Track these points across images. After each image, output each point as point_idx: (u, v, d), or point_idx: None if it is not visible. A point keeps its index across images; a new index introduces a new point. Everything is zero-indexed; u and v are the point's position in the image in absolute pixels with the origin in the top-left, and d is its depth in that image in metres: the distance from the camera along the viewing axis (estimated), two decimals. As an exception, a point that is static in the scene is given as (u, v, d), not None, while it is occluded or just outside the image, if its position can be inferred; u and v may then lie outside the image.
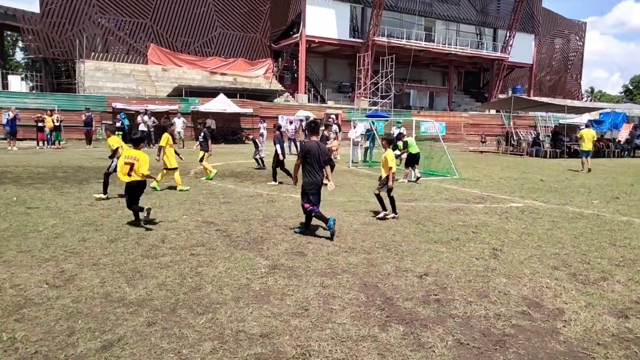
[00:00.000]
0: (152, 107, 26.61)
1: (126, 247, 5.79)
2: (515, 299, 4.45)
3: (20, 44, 60.43)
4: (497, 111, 40.39)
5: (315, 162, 6.54)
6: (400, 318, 3.97)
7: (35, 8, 32.95)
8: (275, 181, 11.83)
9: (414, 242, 6.39)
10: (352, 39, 38.17)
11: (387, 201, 7.88)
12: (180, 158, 11.08)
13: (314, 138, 6.88)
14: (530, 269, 5.32)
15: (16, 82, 35.20)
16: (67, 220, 7.11)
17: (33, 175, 11.87)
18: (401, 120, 18.08)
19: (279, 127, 13.97)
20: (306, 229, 6.81)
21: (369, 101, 36.04)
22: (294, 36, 37.21)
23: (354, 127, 17.79)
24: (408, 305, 4.23)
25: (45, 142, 21.79)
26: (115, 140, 9.61)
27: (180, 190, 10.21)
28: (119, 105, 26.62)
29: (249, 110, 29.60)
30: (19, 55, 63.28)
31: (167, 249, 5.75)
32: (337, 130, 18.41)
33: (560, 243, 6.53)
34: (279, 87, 37.05)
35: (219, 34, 37.65)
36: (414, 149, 12.83)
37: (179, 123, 25.00)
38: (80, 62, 31.65)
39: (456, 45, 41.67)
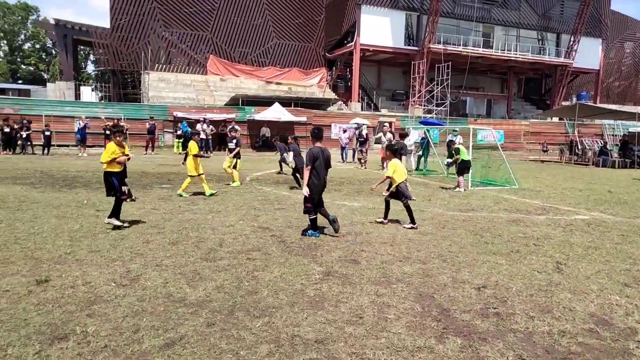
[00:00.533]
0: (210, 115, 27.58)
1: (186, 250, 6.01)
2: (582, 315, 4.21)
3: (91, 57, 64.71)
4: (560, 119, 38.60)
5: (323, 165, 6.92)
6: (458, 330, 3.86)
7: (106, 23, 35.20)
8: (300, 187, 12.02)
9: (471, 253, 6.22)
10: (407, 47, 37.85)
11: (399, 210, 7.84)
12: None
13: (318, 144, 7.09)
14: (598, 285, 5.03)
15: (87, 93, 37.71)
16: (132, 223, 7.48)
17: (101, 180, 12.57)
18: (457, 128, 17.69)
19: (283, 139, 14.05)
20: (322, 229, 7.16)
21: (424, 109, 35.56)
22: (348, 45, 37.40)
23: (407, 135, 17.59)
24: (466, 318, 4.11)
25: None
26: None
27: (210, 194, 10.48)
28: (179, 114, 27.80)
29: (303, 119, 30.00)
30: (90, 68, 67.72)
31: (224, 253, 5.93)
32: (391, 138, 18.28)
33: (631, 258, 6.13)
34: (332, 95, 37.31)
35: (275, 44, 38.52)
36: (465, 156, 12.53)
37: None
38: (145, 73, 33.38)
39: (516, 51, 40.28)
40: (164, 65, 34.93)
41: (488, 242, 6.88)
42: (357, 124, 23.18)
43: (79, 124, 22.23)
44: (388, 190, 8.11)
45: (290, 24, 38.81)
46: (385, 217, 8.09)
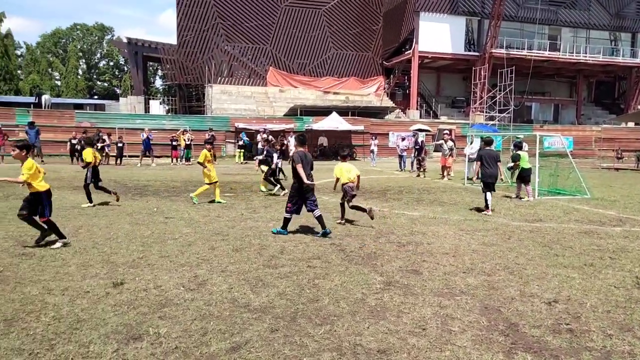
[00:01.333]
0: (270, 126, 28.24)
1: (249, 257, 6.18)
2: (667, 336, 3.90)
3: (159, 72, 68.37)
4: (635, 124, 36.01)
5: (308, 169, 7.55)
6: (527, 346, 3.70)
7: (173, 40, 37.14)
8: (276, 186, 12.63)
9: (540, 266, 5.93)
10: (467, 53, 36.97)
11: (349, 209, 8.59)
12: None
13: (301, 149, 7.72)
14: (686, 304, 4.63)
15: (156, 106, 39.85)
16: (198, 230, 7.80)
17: (169, 189, 13.24)
18: (521, 135, 17.03)
19: (268, 141, 14.16)
20: (324, 230, 7.45)
21: (486, 116, 34.46)
22: (406, 53, 37.09)
23: (471, 143, 17.10)
24: (535, 333, 3.93)
25: (178, 159, 24.22)
26: (90, 153, 10.11)
27: (219, 202, 10.77)
28: (240, 125, 28.69)
29: (360, 128, 30.02)
30: (158, 83, 71.57)
31: (286, 260, 6.03)
32: (452, 146, 17.86)
33: None
34: (390, 104, 37.09)
35: (333, 54, 38.94)
36: (525, 164, 12.11)
37: (292, 141, 26.20)
38: (208, 86, 34.84)
39: (586, 53, 38.19)
40: (226, 78, 36.26)
41: (558, 254, 6.54)
42: (415, 131, 22.81)
43: (143, 135, 23.52)
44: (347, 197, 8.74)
45: (348, 34, 39.10)
46: (342, 217, 8.84)
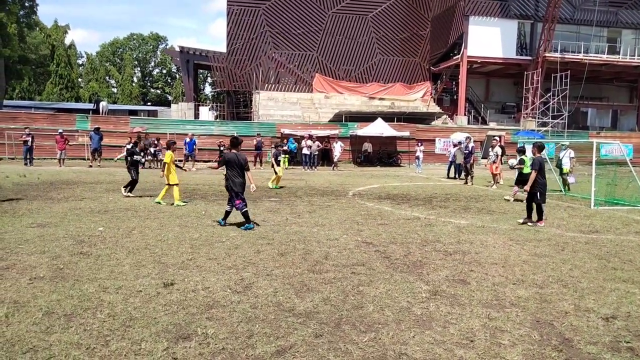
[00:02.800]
0: (315, 132, 28.45)
1: (294, 261, 6.24)
2: None
3: (209, 79, 70.49)
4: None
5: (237, 167, 8.32)
6: (583, 364, 3.52)
7: (223, 48, 38.22)
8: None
9: (596, 280, 5.64)
10: (518, 57, 35.83)
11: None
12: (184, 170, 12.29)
13: (234, 150, 8.52)
14: None
15: (205, 113, 41.07)
16: (244, 234, 7.95)
17: (217, 193, 13.57)
18: (567, 142, 16.38)
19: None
20: (220, 220, 8.67)
21: (538, 122, 33.24)
22: (454, 58, 36.40)
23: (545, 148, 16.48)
24: (592, 350, 3.73)
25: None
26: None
27: (177, 205, 10.79)
28: (286, 131, 29.07)
29: (406, 134, 29.70)
30: (207, 90, 73.76)
31: (330, 266, 6.04)
32: (499, 153, 17.35)
33: None
34: (437, 109, 36.50)
35: (379, 60, 38.80)
36: (527, 169, 12.06)
37: (337, 147, 26.28)
38: (255, 93, 35.56)
39: (649, 55, 36.13)
40: (273, 85, 36.89)
41: (616, 267, 6.20)
42: (464, 138, 22.23)
43: (186, 139, 24.23)
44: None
45: (395, 40, 38.87)
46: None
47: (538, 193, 9.30)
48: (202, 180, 17.40)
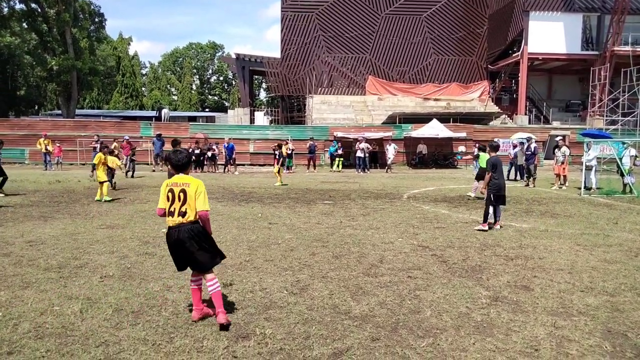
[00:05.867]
0: (368, 134, 28.30)
1: (349, 264, 6.23)
2: None
3: (263, 85, 72.06)
4: None
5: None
6: (662, 379, 3.27)
7: (277, 54, 38.97)
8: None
9: (676, 289, 5.23)
10: (584, 52, 33.92)
11: None
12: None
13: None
14: None
15: (260, 117, 41.98)
16: (300, 236, 8.04)
17: (272, 196, 13.83)
18: (629, 141, 15.45)
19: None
20: None
21: (606, 120, 31.31)
22: (514, 55, 35.04)
23: (588, 150, 15.63)
24: (672, 365, 3.46)
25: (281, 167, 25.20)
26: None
27: (105, 200, 12.01)
28: (339, 134, 29.10)
29: (462, 135, 28.89)
30: (262, 95, 75.43)
31: (385, 269, 5.98)
32: (567, 153, 16.50)
33: None
34: (495, 109, 35.25)
35: (434, 60, 38.07)
36: (483, 164, 12.24)
37: (390, 149, 25.99)
38: (309, 97, 35.92)
39: None
40: (326, 89, 37.11)
41: (700, 276, 5.71)
42: (526, 138, 21.29)
43: (225, 144, 24.73)
44: None
45: (450, 39, 38.00)
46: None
47: (492, 195, 8.71)
48: (257, 184, 17.78)
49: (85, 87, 47.31)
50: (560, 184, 16.60)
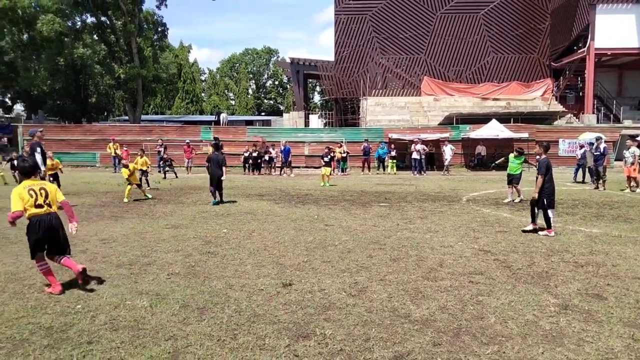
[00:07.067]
0: (424, 135, 27.82)
1: (407, 267, 6.15)
2: None
3: (317, 88, 72.65)
4: None
5: (215, 164, 12.25)
6: None
7: (331, 57, 39.17)
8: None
9: None
10: (658, 45, 31.62)
11: None
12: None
13: (215, 152, 12.60)
14: None
15: (314, 120, 42.37)
16: (356, 238, 8.03)
17: (327, 198, 13.90)
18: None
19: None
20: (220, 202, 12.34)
21: (685, 118, 28.99)
22: (579, 51, 33.26)
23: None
24: None
25: (334, 170, 25.28)
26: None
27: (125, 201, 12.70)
28: (394, 136, 28.82)
29: (524, 135, 27.71)
30: (316, 98, 76.07)
31: (445, 274, 5.85)
32: (637, 153, 15.46)
33: None
34: (559, 108, 33.56)
35: (492, 59, 36.83)
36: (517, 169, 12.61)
37: (447, 151, 25.38)
38: (363, 99, 35.81)
39: None
40: (381, 90, 36.85)
41: None
42: (595, 138, 20.12)
43: (281, 147, 25.01)
44: None
45: (510, 36, 36.61)
46: None
47: (546, 199, 8.24)
48: (312, 186, 17.94)
49: (149, 93, 49.78)
50: (634, 187, 15.54)
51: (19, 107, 58.27)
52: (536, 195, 8.31)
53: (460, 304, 4.77)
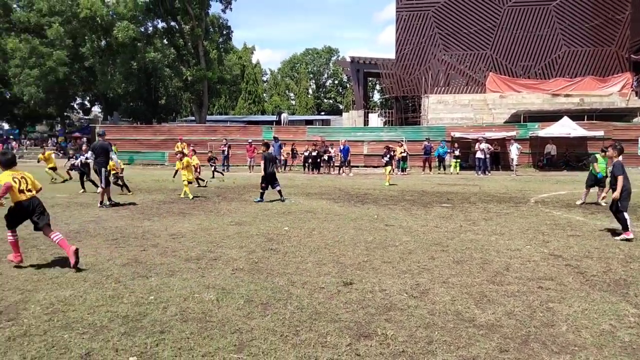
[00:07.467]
0: (488, 134, 26.86)
1: (471, 270, 5.97)
2: None
3: (377, 86, 72.10)
4: None
5: (272, 162, 12.81)
6: None
7: (392, 55, 38.74)
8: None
9: None
10: None
11: None
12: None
13: (267, 151, 13.10)
14: None
15: (374, 119, 42.10)
16: (417, 239, 7.90)
17: (387, 198, 13.78)
18: None
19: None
20: (281, 198, 12.67)
21: None
22: (663, 42, 30.68)
23: None
24: None
25: (394, 169, 25.00)
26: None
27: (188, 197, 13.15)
28: (457, 135, 28.04)
29: (599, 133, 26.05)
30: (376, 97, 75.53)
31: (512, 278, 5.63)
32: None
33: None
34: (639, 104, 31.16)
35: (564, 52, 34.81)
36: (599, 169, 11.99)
37: (513, 150, 24.33)
38: (424, 97, 35.10)
39: None
40: (443, 88, 35.95)
41: None
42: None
43: (340, 146, 24.93)
44: None
45: (584, 28, 34.42)
46: None
47: (623, 201, 7.83)
48: (371, 185, 17.86)
49: (214, 94, 51.67)
50: None
51: (96, 109, 62.49)
52: (618, 196, 7.88)
53: (529, 310, 4.57)
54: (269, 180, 12.76)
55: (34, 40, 40.15)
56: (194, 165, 15.16)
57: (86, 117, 61.01)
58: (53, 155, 19.51)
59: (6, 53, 40.90)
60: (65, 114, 53.65)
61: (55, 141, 46.59)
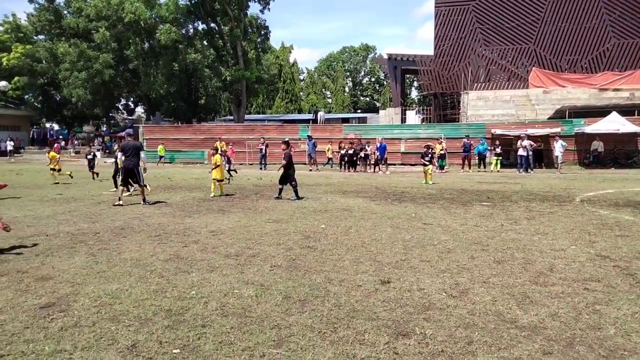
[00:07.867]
0: (531, 131, 26.05)
1: (513, 270, 5.83)
2: None
3: (415, 83, 71.14)
4: None
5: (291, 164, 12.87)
6: None
7: (430, 51, 38.10)
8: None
9: None
10: None
11: None
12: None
13: (288, 150, 12.95)
14: None
15: (411, 116, 41.57)
16: (456, 238, 7.77)
17: (425, 196, 13.60)
18: None
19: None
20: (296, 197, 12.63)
21: None
22: None
23: None
24: None
25: (435, 168, 24.64)
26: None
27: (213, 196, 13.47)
28: (498, 131, 27.32)
29: (651, 129, 24.76)
30: (414, 94, 74.55)
31: (556, 279, 5.45)
32: None
33: None
34: (697, 97, 29.42)
35: (613, 45, 33.23)
36: None
37: (558, 147, 23.50)
38: (464, 93, 34.35)
39: None
40: (483, 84, 35.08)
41: None
42: None
43: (377, 144, 24.66)
44: None
45: (636, 19, 32.74)
46: None
47: None
48: (409, 184, 17.67)
49: (252, 94, 52.34)
50: None
51: (139, 110, 64.58)
52: None
53: (574, 312, 4.42)
54: (287, 178, 12.83)
55: (82, 44, 41.90)
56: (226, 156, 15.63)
57: (130, 118, 63.11)
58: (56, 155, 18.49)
59: (57, 57, 42.87)
60: (110, 114, 55.68)
61: (101, 140, 48.46)
